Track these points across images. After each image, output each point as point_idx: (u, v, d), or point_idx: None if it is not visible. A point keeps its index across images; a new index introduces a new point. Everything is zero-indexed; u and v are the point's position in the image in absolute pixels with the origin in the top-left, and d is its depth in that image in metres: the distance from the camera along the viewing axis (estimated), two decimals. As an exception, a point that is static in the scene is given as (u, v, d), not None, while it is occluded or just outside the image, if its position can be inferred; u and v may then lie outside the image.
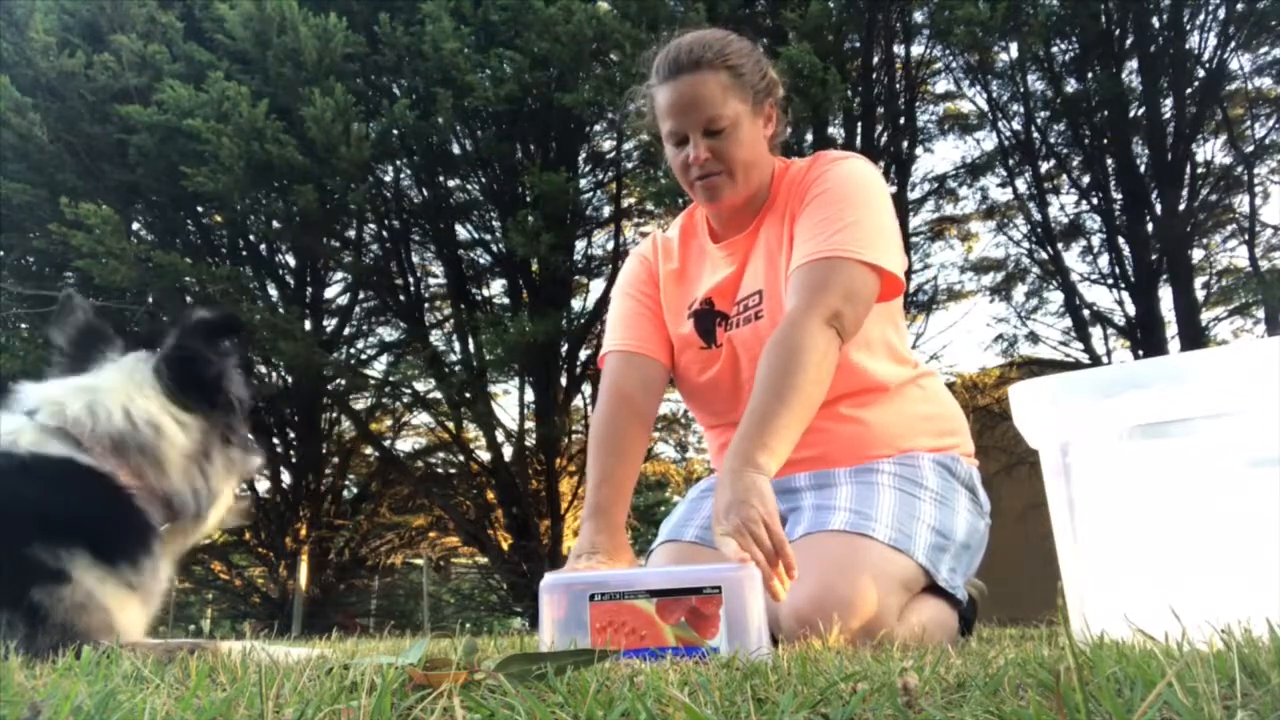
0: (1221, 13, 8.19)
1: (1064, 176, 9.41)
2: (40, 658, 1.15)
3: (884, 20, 8.11)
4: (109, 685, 0.72)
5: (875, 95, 8.51)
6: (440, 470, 11.41)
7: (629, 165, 9.74)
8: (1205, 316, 8.80)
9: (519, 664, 0.72)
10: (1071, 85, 8.96)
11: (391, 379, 10.70)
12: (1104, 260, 9.20)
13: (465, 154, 9.13)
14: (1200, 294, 8.77)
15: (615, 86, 7.04)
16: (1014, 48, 8.45)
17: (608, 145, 9.85)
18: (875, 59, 8.43)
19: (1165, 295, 8.60)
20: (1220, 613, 0.93)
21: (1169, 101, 8.53)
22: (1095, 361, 8.67)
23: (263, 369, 9.74)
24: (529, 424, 10.14)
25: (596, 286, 10.47)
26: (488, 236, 9.80)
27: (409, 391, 10.49)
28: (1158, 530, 1.18)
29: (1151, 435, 1.19)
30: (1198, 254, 8.95)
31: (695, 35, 1.70)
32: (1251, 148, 8.56)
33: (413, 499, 11.50)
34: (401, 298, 10.18)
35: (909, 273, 1.77)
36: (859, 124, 8.43)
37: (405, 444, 12.05)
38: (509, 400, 12.45)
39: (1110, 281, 9.05)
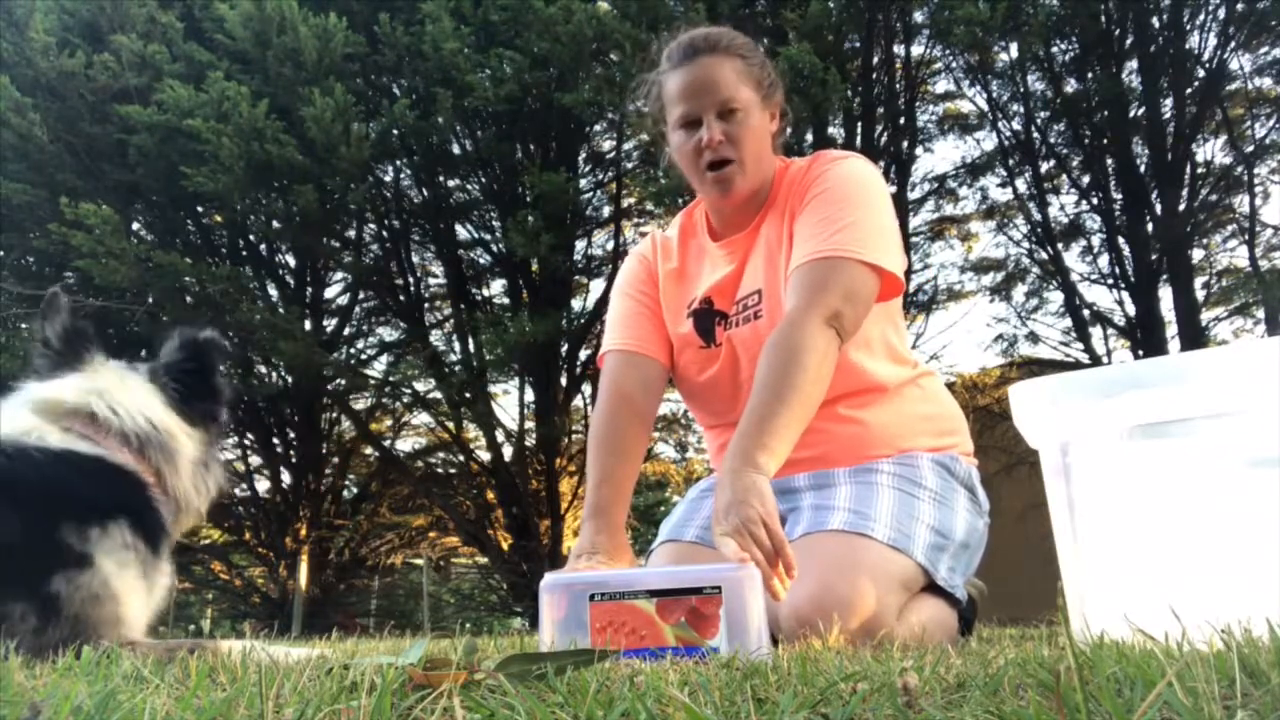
0: (1221, 13, 8.19)
1: (1064, 176, 9.41)
2: (48, 652, 1.16)
3: (884, 20, 8.11)
4: (109, 685, 0.72)
5: (875, 95, 8.51)
6: (440, 470, 11.41)
7: (629, 165, 9.74)
8: (1205, 316, 8.80)
9: (519, 664, 0.72)
10: (1071, 85, 8.96)
11: (391, 379, 10.69)
12: (1104, 260, 9.21)
13: (465, 154, 9.12)
14: (1200, 294, 8.77)
15: (615, 86, 7.04)
16: (1014, 48, 8.44)
17: (608, 145, 9.85)
18: (875, 59, 8.43)
19: (1165, 295, 8.60)
20: (1220, 613, 0.93)
21: (1169, 101, 8.52)
22: (1095, 361, 8.67)
23: (263, 369, 9.75)
24: (529, 424, 10.14)
25: (596, 286, 10.48)
26: (488, 236, 9.81)
27: (409, 391, 10.49)
28: (1158, 530, 1.18)
29: (1151, 435, 1.19)
30: (1198, 254, 8.96)
31: (706, 28, 1.72)
32: (1251, 148, 8.55)
33: (413, 499, 11.50)
34: (401, 298, 10.18)
35: (909, 273, 1.78)
36: (859, 124, 8.43)
37: (405, 444, 12.07)
38: (509, 400, 12.45)
39: (1110, 281, 9.05)
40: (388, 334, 11.32)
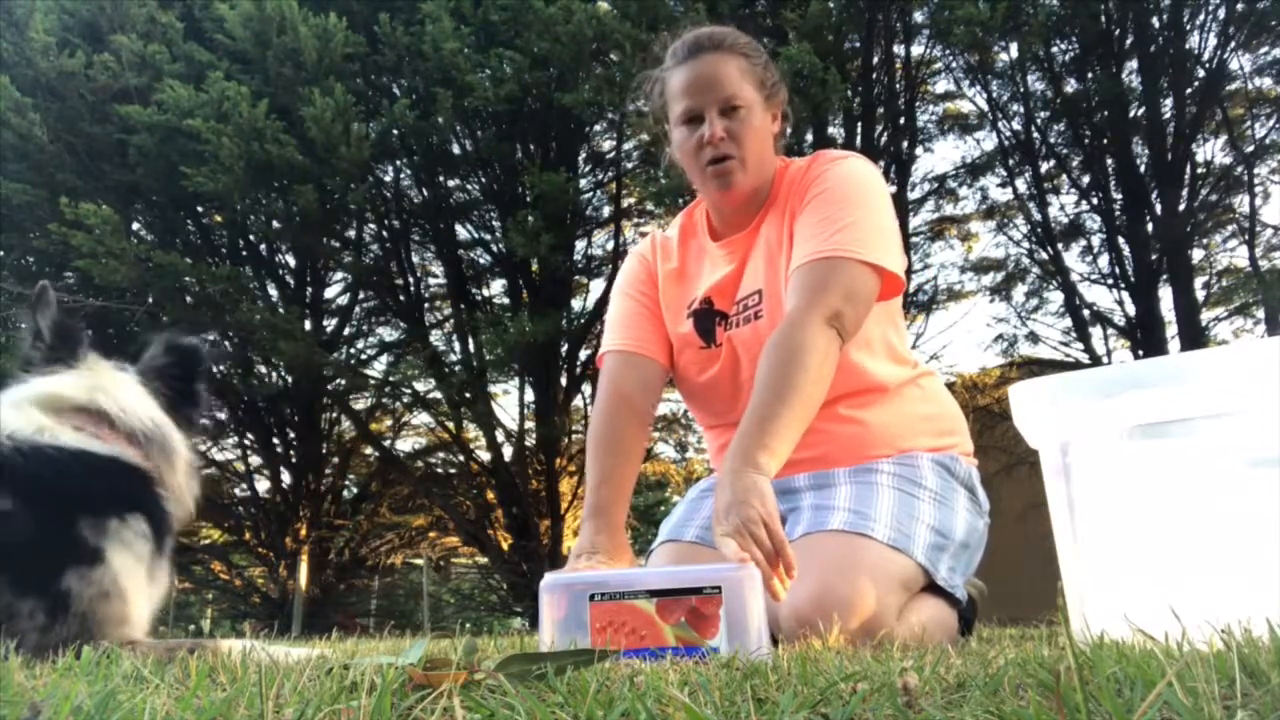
0: (1221, 13, 8.19)
1: (1064, 176, 9.41)
2: (52, 650, 1.17)
3: (884, 20, 8.11)
4: (109, 685, 0.72)
5: (875, 95, 8.51)
6: (440, 470, 11.41)
7: (629, 165, 9.74)
8: (1205, 316, 8.80)
9: (519, 664, 0.72)
10: (1071, 85, 8.96)
11: (391, 379, 10.70)
12: (1104, 260, 9.21)
13: (465, 154, 9.12)
14: (1200, 294, 8.77)
15: (615, 86, 7.04)
16: (1014, 48, 8.44)
17: (608, 145, 9.85)
18: (875, 59, 8.43)
19: (1165, 295, 8.60)
20: (1220, 613, 0.93)
21: (1169, 101, 8.52)
22: (1095, 361, 8.67)
23: (263, 369, 9.75)
24: (529, 424, 10.14)
25: (596, 286, 10.48)
26: (488, 236, 9.81)
27: (409, 391, 10.50)
28: (1158, 530, 1.18)
29: (1151, 435, 1.19)
30: (1198, 254, 8.96)
31: (713, 27, 1.72)
32: (1251, 148, 8.55)
33: (413, 499, 11.50)
34: (401, 298, 10.18)
35: (909, 273, 1.78)
36: (859, 124, 8.43)
37: (405, 444, 12.07)
38: (509, 400, 12.45)
39: (1110, 281, 9.05)
40: (388, 334, 11.33)
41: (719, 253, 1.78)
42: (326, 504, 10.86)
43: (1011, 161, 9.37)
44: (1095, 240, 9.31)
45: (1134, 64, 8.64)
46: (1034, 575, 2.98)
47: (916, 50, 8.84)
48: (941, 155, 36.42)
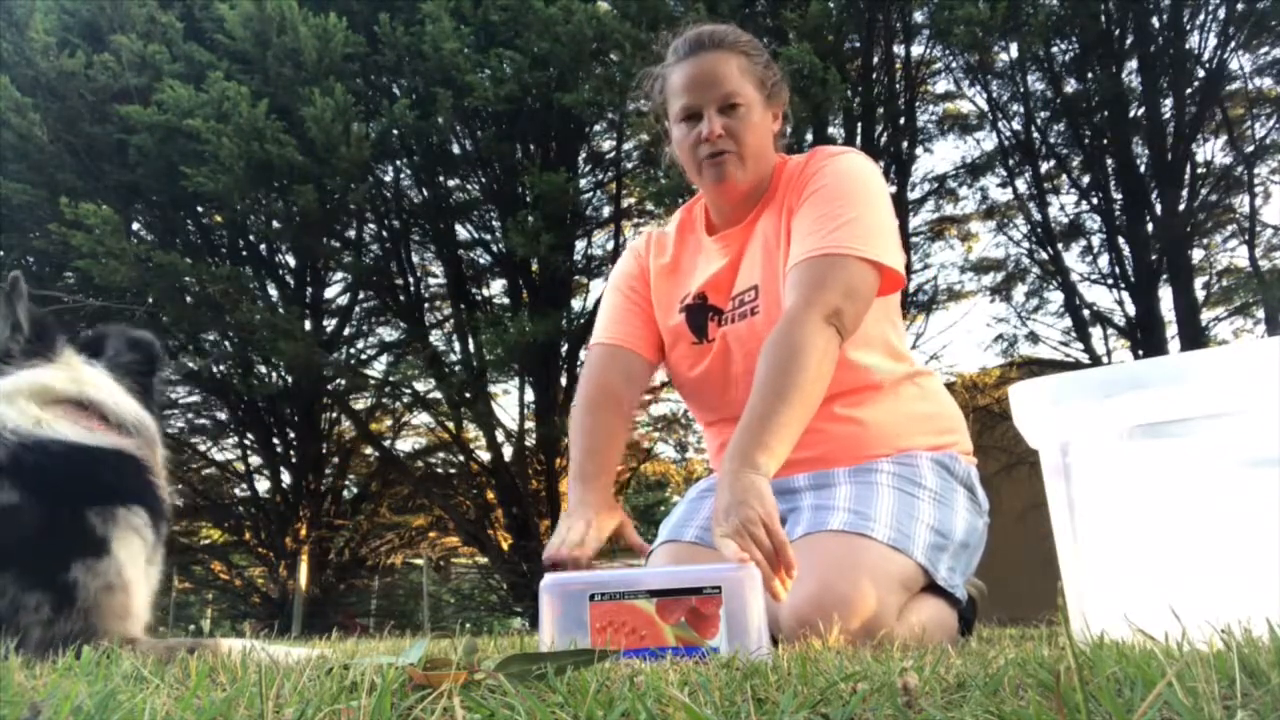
0: (1221, 13, 8.19)
1: (1064, 176, 9.40)
2: (55, 646, 1.17)
3: (884, 20, 8.10)
4: (109, 685, 0.72)
5: (875, 95, 8.51)
6: (440, 470, 11.41)
7: (629, 165, 9.74)
8: (1205, 316, 8.80)
9: (519, 664, 0.72)
10: (1071, 85, 8.95)
11: (391, 379, 10.70)
12: (1104, 260, 9.20)
13: (465, 154, 9.13)
14: (1200, 294, 8.77)
15: (615, 86, 7.04)
16: (1014, 48, 8.44)
17: (608, 145, 9.85)
18: (875, 59, 8.43)
19: (1165, 295, 8.60)
20: (1220, 613, 0.93)
21: (1169, 101, 8.52)
22: (1095, 361, 8.67)
23: (263, 369, 9.75)
24: (529, 424, 10.14)
25: (596, 286, 10.47)
26: (488, 236, 9.81)
27: (409, 391, 10.50)
28: (1158, 530, 1.18)
29: (1151, 435, 1.19)
30: (1198, 254, 8.95)
31: (714, 25, 1.72)
32: (1251, 148, 8.55)
33: (413, 499, 11.50)
34: (401, 298, 10.18)
35: (909, 272, 1.78)
36: (859, 124, 8.43)
37: (405, 444, 12.07)
38: (509, 400, 12.46)
39: (1110, 281, 9.05)
40: (388, 334, 11.34)
41: (714, 246, 1.78)
42: (326, 504, 10.86)
43: (1011, 161, 9.37)
44: (1095, 240, 9.32)
45: (1134, 64, 8.63)
46: (1034, 575, 2.98)
47: (916, 50, 8.85)
48: (941, 155, 36.41)
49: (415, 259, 10.27)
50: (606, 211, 10.21)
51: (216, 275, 8.08)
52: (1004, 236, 9.89)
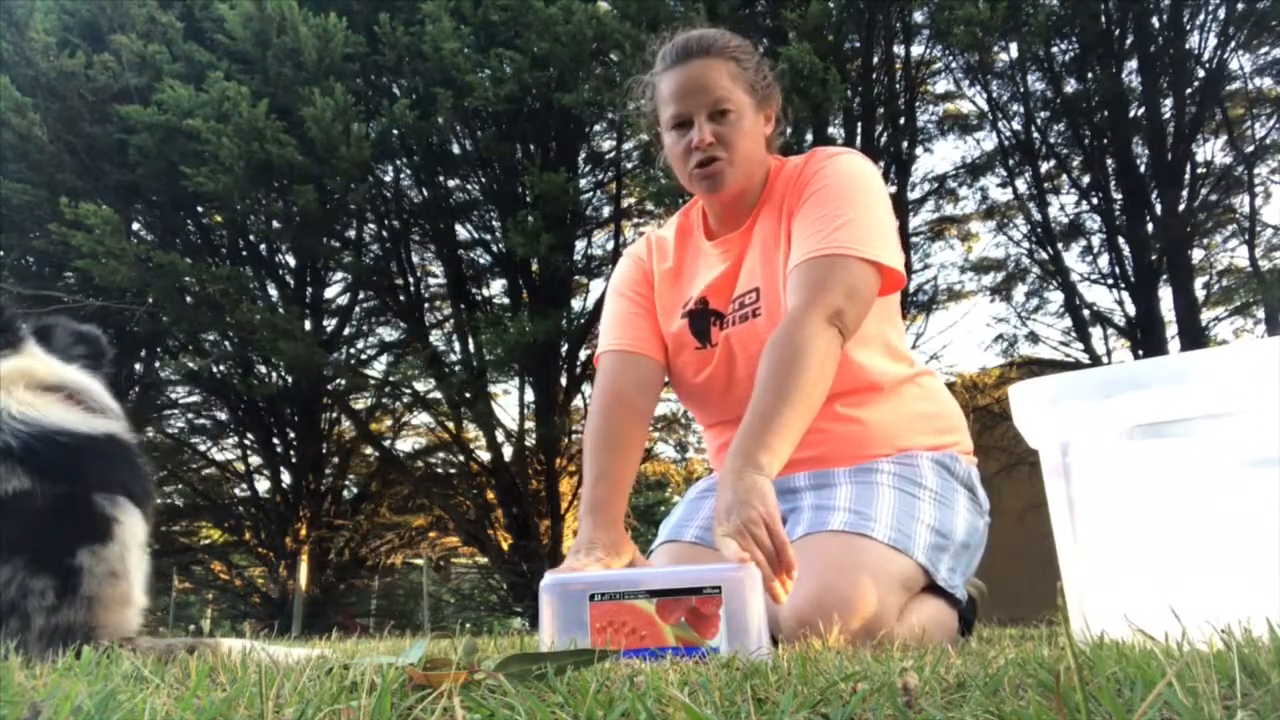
0: (1221, 13, 8.19)
1: (1064, 176, 9.40)
2: (57, 637, 1.19)
3: (884, 20, 8.10)
4: (109, 685, 0.72)
5: (875, 95, 8.51)
6: (440, 470, 11.42)
7: (629, 165, 9.74)
8: (1205, 316, 8.80)
9: (519, 664, 0.72)
10: (1071, 85, 8.95)
11: (391, 379, 10.70)
12: (1104, 260, 9.20)
13: (465, 154, 9.13)
14: (1200, 294, 8.77)
15: (615, 86, 7.03)
16: (1014, 48, 8.44)
17: (608, 145, 9.85)
18: (875, 59, 8.43)
19: (1165, 295, 8.60)
20: (1220, 613, 0.93)
21: (1169, 101, 8.52)
22: (1095, 361, 8.67)
23: (263, 369, 9.75)
24: (529, 424, 10.14)
25: (596, 286, 10.48)
26: (488, 236, 9.81)
27: (409, 391, 10.50)
28: (1158, 530, 1.18)
29: (1151, 435, 1.19)
30: (1198, 254, 8.95)
31: (703, 30, 1.71)
32: (1251, 148, 8.55)
33: (413, 499, 11.50)
34: (401, 298, 10.18)
35: (909, 272, 1.78)
36: (859, 124, 8.43)
37: (405, 444, 12.08)
38: (509, 400, 12.47)
39: (1110, 281, 9.05)
40: (388, 334, 11.34)
41: (714, 252, 1.78)
42: (326, 504, 10.86)
43: (1011, 161, 9.37)
44: (1095, 240, 9.31)
45: (1134, 64, 8.63)
46: (1034, 575, 2.98)
47: (916, 50, 8.85)
48: (941, 155, 36.39)
49: (415, 259, 10.28)
50: (606, 211, 10.22)
51: (216, 275, 8.08)
52: (1004, 236, 9.90)
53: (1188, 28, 8.33)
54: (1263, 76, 8.69)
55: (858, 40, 8.08)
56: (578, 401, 9.94)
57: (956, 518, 1.65)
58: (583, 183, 9.67)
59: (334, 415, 11.06)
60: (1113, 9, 8.23)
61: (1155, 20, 8.42)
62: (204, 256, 9.02)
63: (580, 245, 10.12)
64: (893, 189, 8.49)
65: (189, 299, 8.47)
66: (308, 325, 9.76)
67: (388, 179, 9.33)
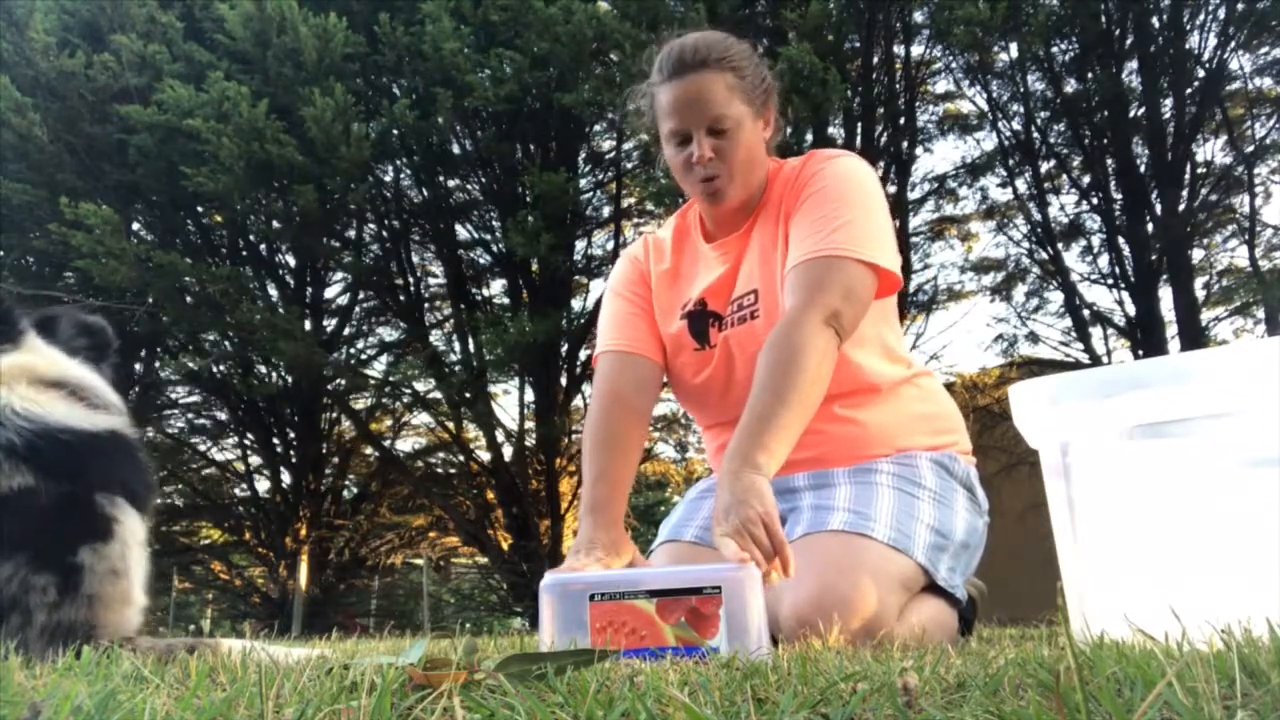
0: (1221, 13, 8.19)
1: (1064, 176, 9.40)
2: (58, 635, 1.19)
3: (884, 20, 8.11)
4: (109, 685, 0.72)
5: (875, 95, 8.51)
6: (440, 470, 11.42)
7: (629, 165, 9.74)
8: (1205, 316, 8.80)
9: (519, 664, 0.72)
10: (1071, 85, 8.95)
11: (391, 379, 10.70)
12: (1104, 260, 9.20)
13: (465, 154, 9.13)
14: (1200, 294, 8.77)
15: (615, 86, 7.03)
16: (1014, 48, 8.44)
17: (608, 145, 9.85)
18: (875, 59, 8.43)
19: (1165, 295, 8.60)
20: (1220, 613, 0.93)
21: (1169, 101, 8.52)
22: (1095, 361, 8.67)
23: (263, 369, 9.75)
24: (529, 424, 10.14)
25: (596, 286, 10.48)
26: (488, 236, 9.81)
27: (409, 391, 10.50)
28: (1158, 530, 1.18)
29: (1151, 435, 1.19)
30: (1198, 254, 8.95)
31: (698, 36, 1.70)
32: (1251, 148, 8.55)
33: (413, 499, 11.50)
34: (401, 298, 10.19)
35: (908, 272, 1.78)
36: (859, 124, 8.43)
37: (405, 444, 12.08)
38: (509, 400, 12.47)
39: (1110, 281, 9.05)
40: (388, 334, 11.34)
41: (712, 254, 1.78)
42: (326, 504, 10.86)
43: (1011, 161, 9.37)
44: (1095, 240, 9.31)
45: (1134, 64, 8.63)
46: (1034, 575, 2.98)
47: (916, 50, 8.85)
48: (941, 155, 36.38)
49: (415, 259, 10.28)
50: (606, 211, 10.22)
51: (216, 275, 8.09)
52: (1004, 236, 9.90)
53: (1188, 28, 8.33)
54: (1263, 76, 8.70)
55: (858, 40, 8.08)
56: (578, 401, 9.94)
57: (956, 517, 1.65)
58: (583, 183, 9.67)
59: (334, 415, 11.06)
60: (1113, 9, 8.23)
61: (1155, 20, 8.42)
62: (204, 256, 9.02)
63: (580, 245, 10.13)
64: (893, 189, 8.49)
65: (189, 299, 8.47)
66: (308, 325, 9.76)
67: (388, 179, 9.34)
